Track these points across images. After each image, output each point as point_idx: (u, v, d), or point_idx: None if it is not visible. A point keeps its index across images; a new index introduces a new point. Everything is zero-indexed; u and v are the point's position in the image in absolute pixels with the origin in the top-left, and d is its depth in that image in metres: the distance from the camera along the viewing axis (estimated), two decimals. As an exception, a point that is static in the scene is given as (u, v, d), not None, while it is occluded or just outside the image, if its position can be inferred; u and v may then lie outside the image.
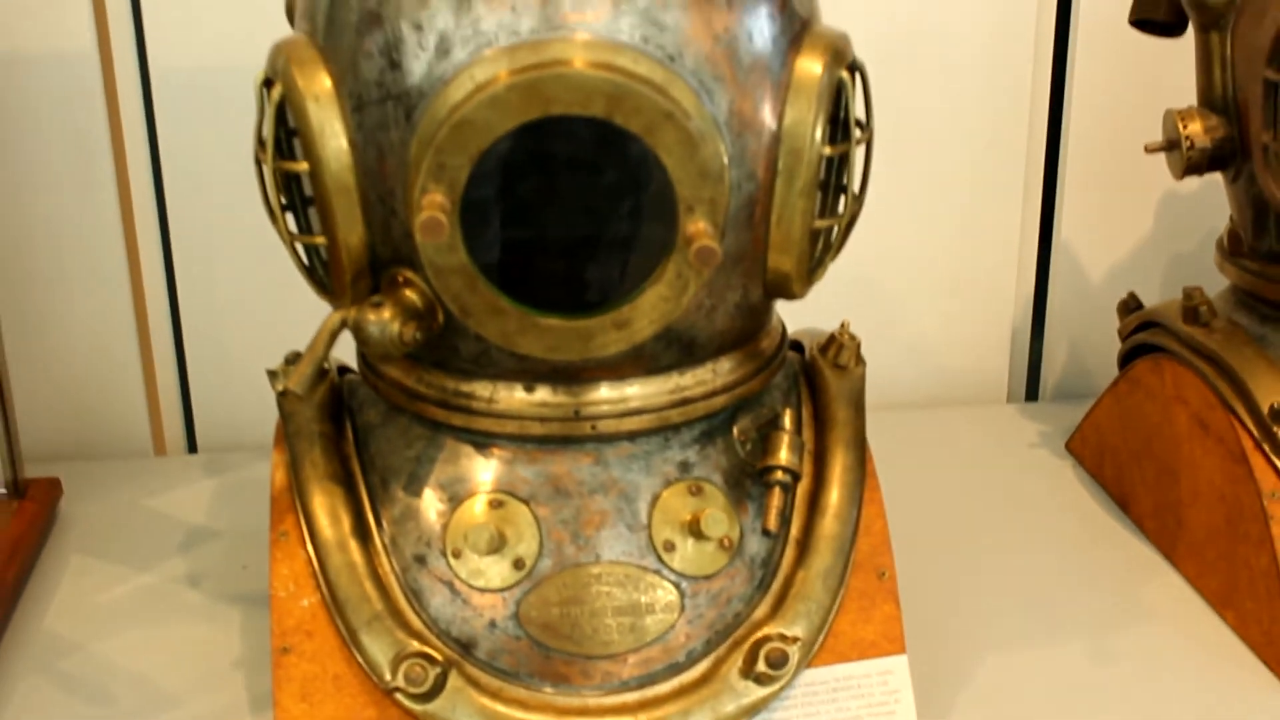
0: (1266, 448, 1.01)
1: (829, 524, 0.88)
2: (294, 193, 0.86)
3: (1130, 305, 1.21)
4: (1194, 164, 1.07)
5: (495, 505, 0.85)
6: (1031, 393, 1.46)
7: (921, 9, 1.33)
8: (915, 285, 1.41)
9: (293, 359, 0.88)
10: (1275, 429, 1.00)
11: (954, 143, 1.37)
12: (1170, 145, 1.08)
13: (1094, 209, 1.40)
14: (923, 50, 1.33)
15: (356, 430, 0.91)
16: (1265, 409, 1.01)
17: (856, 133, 0.86)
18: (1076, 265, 1.41)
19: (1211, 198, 1.12)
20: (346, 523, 0.85)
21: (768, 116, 0.81)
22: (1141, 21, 1.13)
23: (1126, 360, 1.20)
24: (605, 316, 0.79)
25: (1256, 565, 1.00)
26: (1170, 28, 1.11)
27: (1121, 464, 1.20)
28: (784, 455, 0.86)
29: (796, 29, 0.82)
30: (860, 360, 0.94)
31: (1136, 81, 1.33)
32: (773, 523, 0.85)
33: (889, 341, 1.41)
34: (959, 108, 1.36)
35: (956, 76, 1.35)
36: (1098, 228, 1.41)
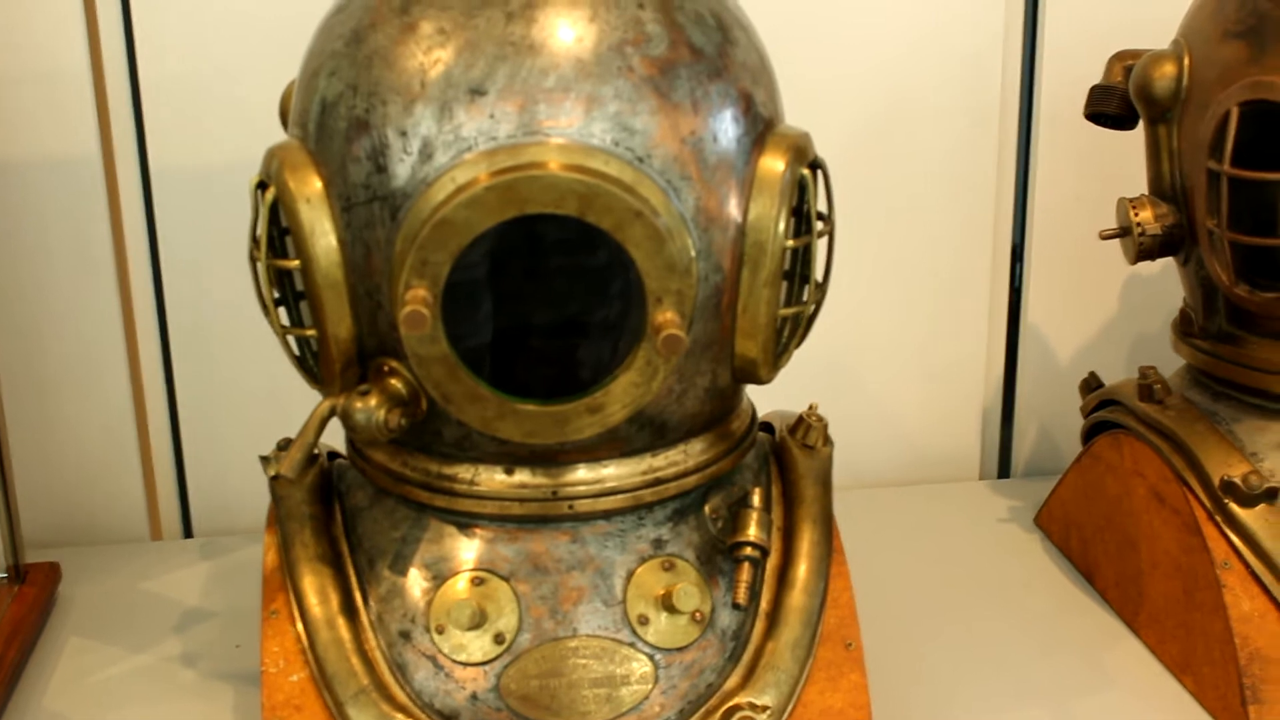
0: (1218, 519, 1.05)
1: (797, 597, 0.92)
2: (286, 288, 0.90)
3: (1091, 384, 1.26)
4: (1146, 249, 1.12)
5: (477, 582, 0.89)
6: (1003, 470, 1.51)
7: (890, 105, 1.38)
8: (890, 369, 1.45)
9: (284, 445, 0.92)
10: (1226, 500, 1.05)
11: (924, 232, 1.42)
12: (1124, 232, 1.13)
13: (1059, 293, 1.45)
14: (892, 145, 1.39)
15: (345, 512, 0.95)
16: (1216, 481, 1.05)
17: (818, 226, 0.91)
18: (1044, 347, 1.46)
19: (1172, 280, 1.17)
20: (335, 601, 0.90)
21: (733, 212, 0.85)
22: (1096, 115, 1.18)
23: (1089, 437, 1.24)
24: (579, 402, 0.83)
25: (1212, 632, 1.04)
26: (1122, 120, 1.16)
27: (1086, 537, 1.24)
28: (753, 532, 0.90)
29: (760, 129, 0.88)
30: (827, 441, 0.98)
31: (1096, 172, 1.38)
32: (742, 596, 0.89)
33: (866, 423, 1.45)
34: (928, 200, 1.41)
35: (925, 171, 1.40)
36: (1064, 311, 1.46)
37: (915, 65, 1.38)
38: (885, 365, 1.45)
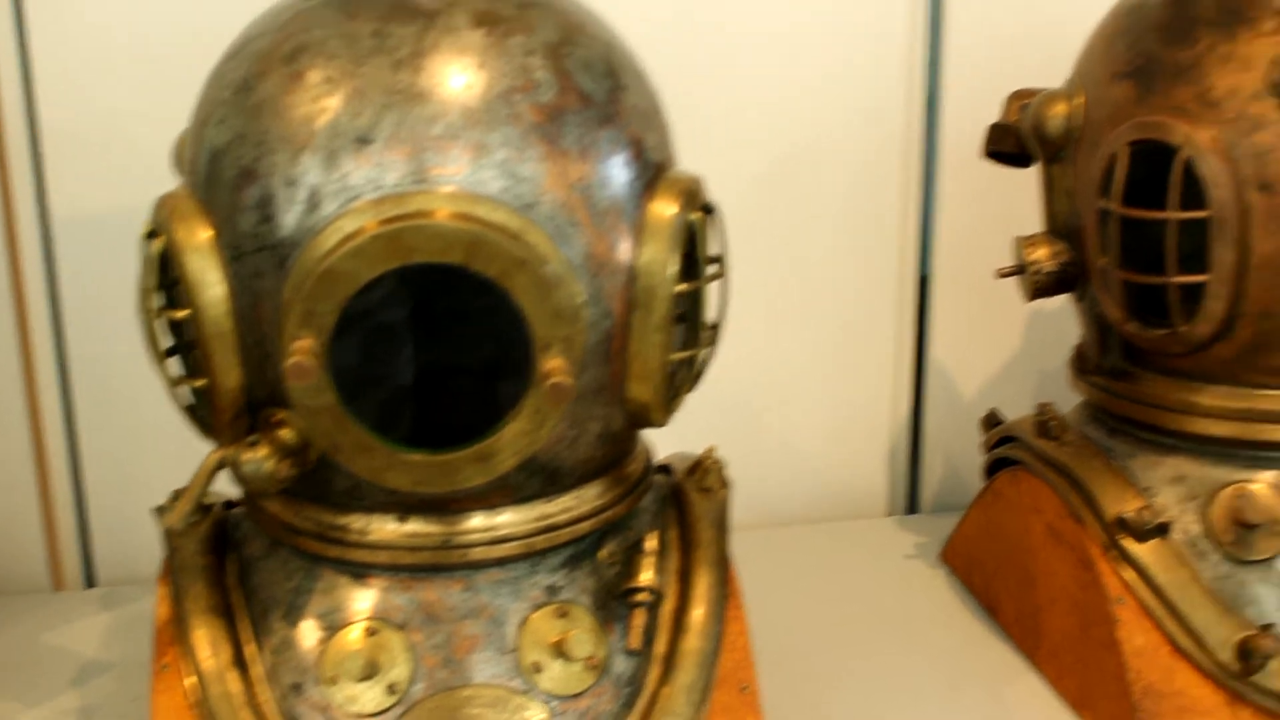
0: (1112, 554, 1.06)
1: (692, 641, 0.92)
2: (180, 337, 0.90)
3: (992, 421, 1.27)
4: (1041, 287, 1.13)
5: (371, 633, 0.88)
6: (912, 506, 1.51)
7: (795, 147, 1.39)
8: (798, 407, 1.46)
9: (180, 496, 0.92)
10: (1119, 537, 1.06)
11: (829, 272, 1.43)
12: (1019, 270, 1.14)
13: (965, 330, 1.46)
14: (797, 186, 1.40)
15: (241, 562, 0.94)
16: (1110, 518, 1.06)
17: (711, 269, 0.92)
18: (950, 384, 1.48)
19: (1076, 316, 1.19)
20: (226, 654, 0.89)
21: (623, 257, 0.86)
22: (995, 153, 1.19)
23: (991, 473, 1.25)
24: (468, 451, 0.83)
25: (1107, 667, 1.05)
26: (1020, 159, 1.17)
27: (988, 572, 1.25)
28: (645, 576, 0.90)
29: (650, 174, 0.88)
30: (725, 483, 0.99)
31: (999, 210, 1.39)
32: (635, 641, 0.90)
33: (774, 462, 1.46)
34: (833, 240, 1.42)
35: (830, 211, 1.41)
36: (970, 347, 1.47)
37: (819, 107, 1.39)
38: (793, 404, 1.45)
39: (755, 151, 1.38)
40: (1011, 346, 1.48)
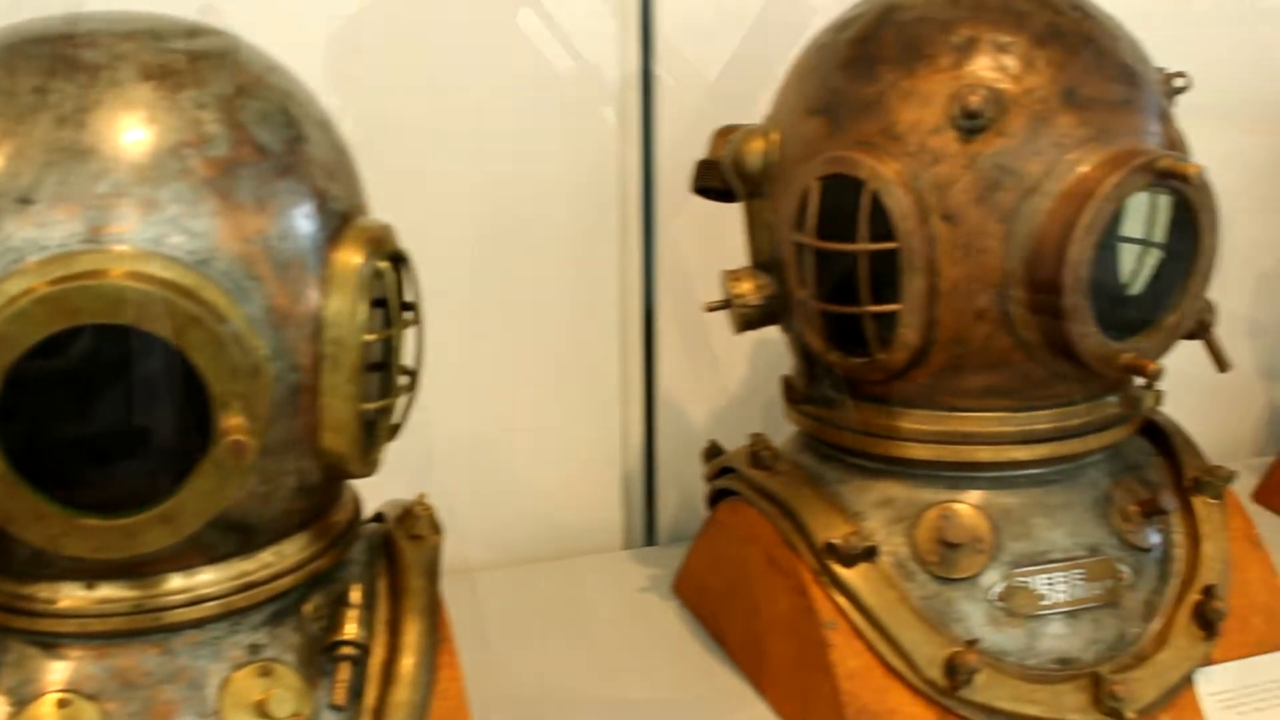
0: (824, 580, 1.08)
1: (402, 692, 0.91)
2: None
3: (712, 452, 1.29)
4: (748, 320, 1.15)
5: (62, 705, 0.85)
6: (649, 538, 1.53)
7: (516, 185, 1.39)
8: (529, 445, 1.46)
9: None
10: (829, 562, 1.08)
11: (556, 308, 1.44)
12: (727, 304, 1.16)
13: (691, 361, 1.48)
14: (519, 224, 1.40)
15: (-70, 639, 0.90)
16: (820, 544, 1.09)
17: (406, 316, 0.92)
18: (680, 415, 1.49)
19: (786, 345, 1.21)
20: (-94, 736, 0.85)
21: (309, 308, 0.85)
22: (703, 189, 1.21)
23: (714, 503, 1.27)
24: (150, 513, 0.81)
25: (823, 690, 1.07)
26: (727, 194, 1.19)
27: (716, 602, 1.27)
28: (349, 630, 0.90)
29: (335, 224, 0.87)
30: (436, 529, 0.98)
31: (720, 242, 1.42)
32: (339, 696, 0.88)
33: (508, 501, 1.45)
34: (558, 276, 1.43)
35: (553, 248, 1.42)
36: (697, 378, 1.49)
37: (538, 149, 1.39)
38: (524, 442, 1.45)
39: (474, 192, 1.38)
40: (739, 376, 1.50)
